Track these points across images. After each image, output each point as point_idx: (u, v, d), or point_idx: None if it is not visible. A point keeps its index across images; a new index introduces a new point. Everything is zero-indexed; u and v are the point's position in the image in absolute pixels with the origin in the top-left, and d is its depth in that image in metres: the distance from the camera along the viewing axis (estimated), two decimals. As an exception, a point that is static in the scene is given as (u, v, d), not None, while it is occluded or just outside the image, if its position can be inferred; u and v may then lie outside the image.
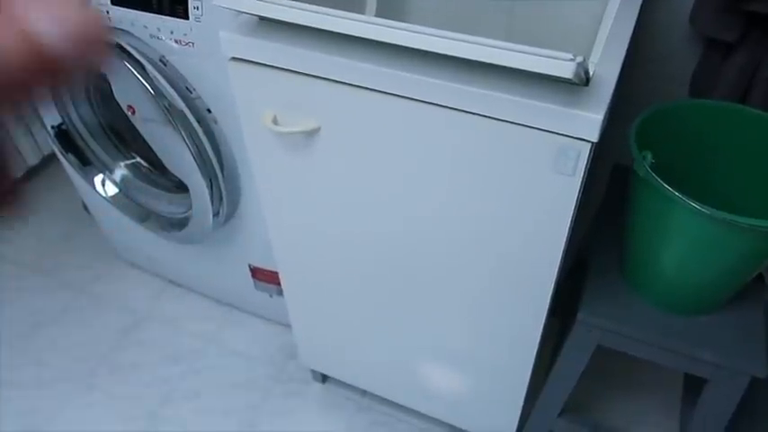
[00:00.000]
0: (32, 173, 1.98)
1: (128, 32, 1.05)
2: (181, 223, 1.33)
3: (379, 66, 0.74)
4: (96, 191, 1.43)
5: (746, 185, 0.95)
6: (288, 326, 1.57)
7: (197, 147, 1.11)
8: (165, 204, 1.38)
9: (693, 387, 1.30)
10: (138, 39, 1.05)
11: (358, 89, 0.77)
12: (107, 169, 1.42)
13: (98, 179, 1.42)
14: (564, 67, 0.59)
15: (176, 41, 1.02)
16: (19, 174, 1.88)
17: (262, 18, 0.81)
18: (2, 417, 1.41)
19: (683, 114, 0.92)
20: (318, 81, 0.79)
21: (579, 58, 0.59)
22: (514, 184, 0.76)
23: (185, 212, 1.31)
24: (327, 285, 1.11)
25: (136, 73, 1.04)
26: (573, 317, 0.97)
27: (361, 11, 1.05)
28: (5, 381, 1.48)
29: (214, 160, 1.14)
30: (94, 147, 1.40)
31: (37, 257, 1.78)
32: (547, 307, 0.89)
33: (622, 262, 0.99)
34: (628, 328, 0.92)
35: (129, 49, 1.04)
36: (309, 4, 0.71)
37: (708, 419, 0.99)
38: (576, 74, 0.60)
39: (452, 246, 0.89)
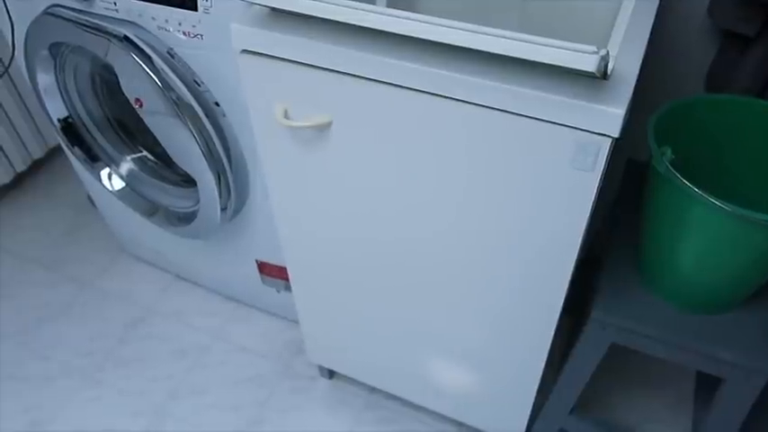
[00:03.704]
0: (37, 166, 1.97)
1: (135, 24, 1.04)
2: (188, 218, 1.31)
3: (392, 58, 0.72)
4: (102, 184, 1.42)
5: (765, 181, 0.93)
6: (295, 321, 1.57)
7: (205, 140, 1.10)
8: (173, 198, 1.37)
9: (706, 385, 1.29)
10: (146, 30, 1.04)
11: (371, 82, 0.76)
12: (113, 163, 1.41)
13: (104, 173, 1.41)
14: (586, 61, 0.58)
15: (185, 33, 1.00)
16: (24, 167, 1.87)
17: (273, 9, 0.80)
18: (7, 411, 1.40)
19: (700, 109, 0.91)
20: (331, 74, 0.77)
21: (603, 51, 0.58)
22: (531, 179, 0.75)
23: (193, 207, 1.30)
24: (336, 281, 1.10)
25: (143, 65, 1.03)
26: (585, 314, 0.95)
27: (372, 1, 1.03)
28: (10, 375, 1.47)
29: (222, 154, 1.13)
30: (101, 140, 1.39)
31: (42, 251, 1.77)
32: (561, 304, 0.88)
33: (638, 259, 0.97)
34: (643, 326, 0.90)
35: (136, 41, 1.03)
36: (323, -6, 0.69)
37: (722, 419, 0.98)
38: (598, 67, 0.58)
39: (466, 242, 0.88)
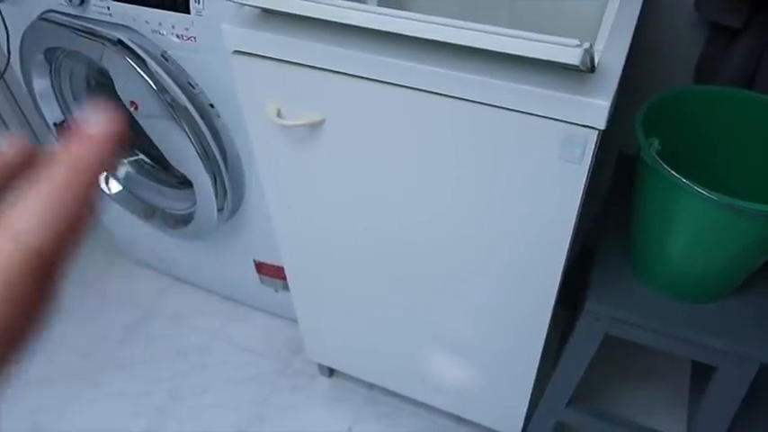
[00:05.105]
0: (35, 171, 1.98)
1: (129, 28, 1.05)
2: (185, 219, 1.32)
3: (383, 56, 0.74)
4: (99, 188, 1.42)
5: (753, 171, 0.94)
6: (293, 320, 1.57)
7: (200, 142, 1.11)
8: (170, 200, 1.38)
9: (701, 376, 1.30)
10: (140, 34, 1.05)
11: (363, 80, 0.77)
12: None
13: (101, 176, 1.42)
14: (570, 54, 0.59)
15: (178, 36, 1.01)
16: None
17: (264, 10, 0.81)
18: (9, 414, 1.41)
19: (688, 101, 0.92)
20: (323, 73, 0.79)
21: (586, 45, 0.59)
22: (521, 172, 0.76)
23: (190, 208, 1.31)
24: (333, 278, 1.11)
25: (138, 68, 1.04)
26: (580, 308, 0.96)
27: (363, 1, 1.04)
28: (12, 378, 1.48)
29: (218, 155, 1.14)
30: (97, 144, 1.40)
31: (41, 256, 1.77)
32: (554, 295, 0.89)
33: (629, 250, 0.99)
34: (636, 316, 0.91)
35: (130, 44, 1.04)
36: (313, -6, 0.70)
37: (716, 407, 0.99)
38: (583, 60, 0.60)
39: (459, 236, 0.89)
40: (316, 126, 0.85)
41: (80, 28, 1.07)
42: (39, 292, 0.19)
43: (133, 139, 1.42)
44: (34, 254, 0.19)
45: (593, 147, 0.69)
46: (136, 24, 1.04)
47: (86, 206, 0.20)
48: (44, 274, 0.19)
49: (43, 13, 1.11)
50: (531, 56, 0.61)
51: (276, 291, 1.46)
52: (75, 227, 0.20)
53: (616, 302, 0.93)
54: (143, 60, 1.04)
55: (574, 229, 0.79)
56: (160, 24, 1.02)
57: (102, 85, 1.32)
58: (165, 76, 1.05)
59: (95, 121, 0.21)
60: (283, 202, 1.01)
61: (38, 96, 1.29)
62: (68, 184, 0.20)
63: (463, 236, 0.88)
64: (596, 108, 0.65)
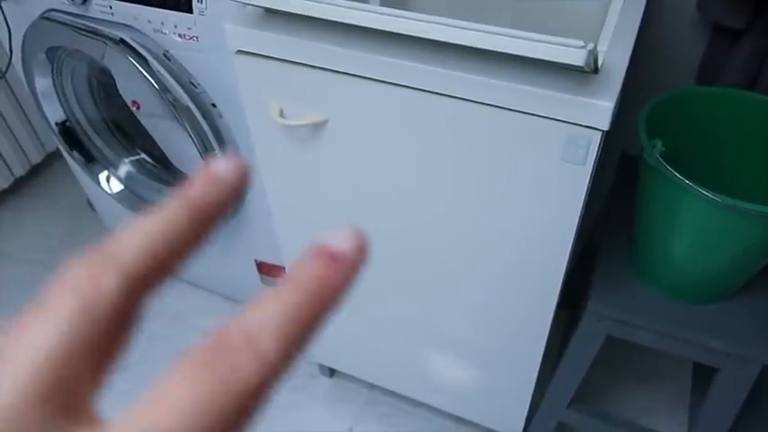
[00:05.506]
0: (36, 170, 1.98)
1: (131, 27, 1.05)
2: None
3: (386, 56, 0.73)
4: (101, 187, 1.43)
5: (755, 173, 0.94)
6: (294, 320, 1.57)
7: (202, 142, 1.11)
8: (171, 200, 1.38)
9: (703, 377, 1.30)
10: (142, 33, 1.05)
11: (365, 80, 0.77)
12: (111, 166, 1.42)
13: (103, 176, 1.42)
14: (575, 55, 0.59)
15: (180, 35, 1.01)
16: (23, 172, 1.87)
17: (267, 10, 0.81)
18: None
19: (691, 102, 0.92)
20: (326, 73, 0.78)
21: (590, 46, 0.59)
22: (524, 173, 0.76)
23: (191, 208, 1.31)
24: (335, 279, 1.10)
25: (140, 68, 1.04)
26: (582, 308, 0.96)
27: (365, 0, 1.04)
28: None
29: (219, 155, 1.14)
30: (99, 143, 1.40)
31: (42, 255, 1.78)
32: (556, 297, 0.89)
33: (632, 251, 0.99)
34: (638, 317, 0.91)
35: (132, 43, 1.04)
36: (316, -6, 0.70)
37: (718, 409, 0.99)
38: (587, 61, 0.60)
39: (461, 237, 0.88)
40: (318, 126, 0.85)
41: (82, 27, 1.07)
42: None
43: (135, 139, 1.42)
44: (271, 367, 0.16)
45: (597, 148, 0.69)
46: (138, 23, 1.04)
47: (316, 332, 0.18)
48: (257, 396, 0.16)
49: (45, 11, 1.11)
50: (534, 56, 0.61)
51: (277, 291, 1.46)
52: (299, 351, 0.17)
53: (618, 303, 0.93)
54: (145, 60, 1.04)
55: (576, 231, 0.79)
56: (162, 24, 1.01)
57: (103, 84, 1.32)
58: (167, 75, 1.05)
59: (346, 240, 0.19)
60: (285, 201, 1.01)
61: (40, 95, 1.29)
62: (311, 306, 0.17)
63: (465, 236, 0.88)
64: (600, 109, 0.65)
